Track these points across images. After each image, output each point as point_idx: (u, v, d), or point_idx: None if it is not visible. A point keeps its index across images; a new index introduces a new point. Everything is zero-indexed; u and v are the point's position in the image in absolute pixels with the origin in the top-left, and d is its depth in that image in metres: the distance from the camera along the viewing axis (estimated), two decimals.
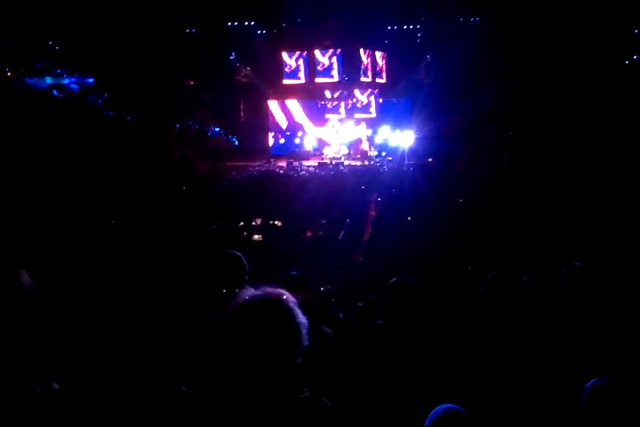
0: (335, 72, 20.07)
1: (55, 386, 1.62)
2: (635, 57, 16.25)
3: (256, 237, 12.59)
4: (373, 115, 20.24)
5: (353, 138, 19.67)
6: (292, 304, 1.57)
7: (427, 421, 2.05)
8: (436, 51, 19.11)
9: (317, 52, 20.01)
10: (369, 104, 20.21)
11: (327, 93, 20.05)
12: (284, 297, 1.58)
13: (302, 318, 1.57)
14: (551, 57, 15.80)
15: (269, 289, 1.60)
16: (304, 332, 1.55)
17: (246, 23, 19.58)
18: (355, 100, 20.04)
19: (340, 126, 19.78)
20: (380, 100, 20.24)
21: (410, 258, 8.92)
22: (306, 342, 1.55)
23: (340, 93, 20.02)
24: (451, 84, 17.36)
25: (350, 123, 19.80)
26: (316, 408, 1.55)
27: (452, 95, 17.36)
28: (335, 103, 20.14)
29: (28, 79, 17.13)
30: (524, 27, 16.02)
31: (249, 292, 1.62)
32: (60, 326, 2.56)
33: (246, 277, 2.95)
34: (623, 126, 13.68)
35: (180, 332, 2.75)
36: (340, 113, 20.07)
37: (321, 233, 13.13)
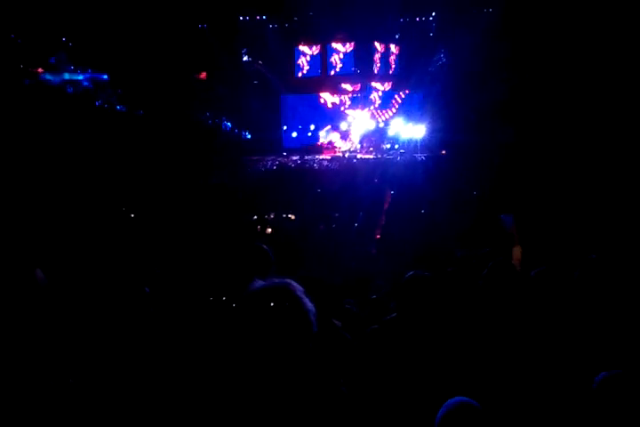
0: (349, 65, 20.01)
1: (70, 381, 1.67)
2: None
3: (268, 230, 12.64)
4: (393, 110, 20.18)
5: (364, 130, 19.66)
6: (299, 293, 1.63)
7: (439, 413, 2.08)
8: (448, 44, 18.98)
9: (331, 46, 19.94)
10: (390, 101, 20.14)
11: (348, 87, 20.01)
12: (292, 286, 1.65)
13: (310, 306, 1.62)
14: (562, 51, 15.65)
15: (277, 280, 1.68)
16: (312, 319, 1.61)
17: (258, 17, 19.57)
18: (373, 95, 20.00)
19: (355, 120, 19.76)
20: (403, 96, 20.13)
21: (422, 250, 8.91)
22: (315, 329, 1.61)
23: (360, 89, 19.99)
24: (462, 78, 17.25)
25: (364, 115, 19.77)
26: (333, 396, 1.62)
27: (463, 88, 17.26)
28: (351, 96, 20.13)
29: (42, 75, 17.25)
30: (536, 20, 15.86)
31: (258, 283, 1.70)
32: (80, 319, 2.61)
33: (272, 270, 2.99)
34: (631, 124, 13.55)
35: (200, 323, 2.79)
36: (358, 107, 20.03)
37: (334, 226, 13.16)
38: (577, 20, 15.15)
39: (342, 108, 20.11)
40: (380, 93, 20.11)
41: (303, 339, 1.60)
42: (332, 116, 20.18)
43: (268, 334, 1.57)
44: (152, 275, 4.57)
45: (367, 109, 20.03)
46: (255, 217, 13.43)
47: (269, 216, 13.85)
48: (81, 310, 2.73)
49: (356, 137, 19.52)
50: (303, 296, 1.64)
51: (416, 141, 18.76)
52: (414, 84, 19.83)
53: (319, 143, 19.81)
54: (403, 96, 20.10)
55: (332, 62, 20.11)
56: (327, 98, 20.31)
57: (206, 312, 2.74)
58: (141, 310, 2.82)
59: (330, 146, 19.60)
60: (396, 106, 20.17)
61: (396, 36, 19.92)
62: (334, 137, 19.94)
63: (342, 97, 20.18)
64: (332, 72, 20.21)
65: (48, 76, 17.45)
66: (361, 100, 20.07)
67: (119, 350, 2.52)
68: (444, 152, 17.64)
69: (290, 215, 14.35)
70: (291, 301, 1.61)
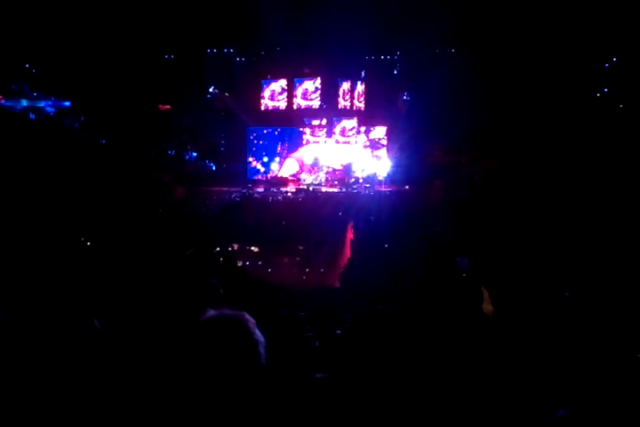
0: (314, 99, 20.25)
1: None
2: (605, 90, 16.68)
3: (239, 263, 12.49)
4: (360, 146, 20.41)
5: (341, 164, 19.83)
6: (250, 324, 1.63)
7: None
8: (413, 80, 19.39)
9: (297, 80, 20.20)
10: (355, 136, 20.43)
11: (315, 122, 20.23)
12: (243, 317, 1.64)
13: (261, 338, 1.61)
14: (526, 88, 16.15)
15: (228, 310, 1.67)
16: (262, 351, 1.60)
17: (225, 50, 19.75)
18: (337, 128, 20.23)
19: (321, 153, 19.88)
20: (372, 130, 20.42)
21: (387, 285, 8.88)
22: (263, 361, 1.59)
23: (325, 122, 20.21)
24: (427, 113, 17.60)
25: (329, 149, 19.93)
26: None
27: (428, 124, 17.59)
28: (316, 130, 20.30)
29: (3, 101, 16.98)
30: (500, 58, 16.39)
31: (210, 313, 1.67)
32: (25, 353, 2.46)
33: (222, 303, 2.88)
34: (594, 156, 13.97)
35: (152, 356, 2.67)
36: (320, 140, 20.20)
37: (298, 259, 13.08)
38: (539, 60, 15.70)
39: (305, 141, 20.23)
40: (347, 128, 20.34)
41: (250, 371, 1.57)
42: (299, 149, 20.28)
43: (213, 363, 1.54)
44: (104, 306, 4.40)
45: (333, 142, 20.21)
46: (218, 249, 13.26)
47: (232, 248, 13.71)
48: (26, 341, 2.58)
49: (321, 170, 19.60)
50: (254, 328, 1.62)
51: (381, 176, 18.96)
52: (379, 120, 20.14)
53: (284, 175, 19.84)
54: (371, 130, 20.36)
55: (297, 96, 20.32)
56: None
57: (154, 343, 2.63)
58: (90, 345, 2.67)
59: (295, 178, 19.65)
60: (362, 141, 20.40)
61: (362, 73, 20.29)
62: (293, 167, 20.05)
63: (307, 129, 20.34)
64: (298, 106, 20.39)
65: (9, 103, 17.19)
66: (326, 132, 20.25)
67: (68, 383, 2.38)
68: (407, 187, 17.84)
69: (253, 247, 14.24)
70: (240, 332, 1.59)
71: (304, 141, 20.24)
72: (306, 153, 20.08)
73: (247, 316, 1.65)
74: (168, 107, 19.48)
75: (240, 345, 1.56)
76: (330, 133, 20.16)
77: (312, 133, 20.30)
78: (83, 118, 17.70)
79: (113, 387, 2.44)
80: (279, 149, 20.43)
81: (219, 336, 1.56)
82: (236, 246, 13.72)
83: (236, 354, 1.55)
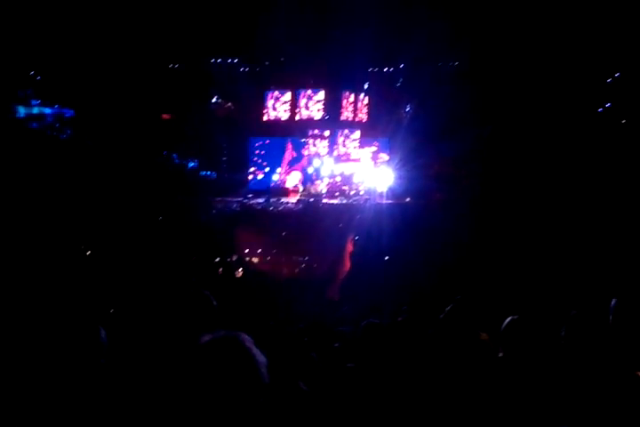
0: (317, 110, 20.32)
1: None
2: (607, 104, 16.72)
3: (239, 273, 12.49)
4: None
5: (345, 174, 19.87)
6: (247, 344, 1.60)
7: None
8: (415, 94, 19.46)
9: (300, 91, 20.28)
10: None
11: (316, 132, 20.30)
12: (240, 338, 1.62)
13: (260, 357, 1.59)
14: (527, 102, 16.19)
15: (225, 332, 1.64)
16: (263, 370, 1.57)
17: (230, 60, 19.84)
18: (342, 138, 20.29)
19: (321, 164, 19.91)
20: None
21: (386, 298, 8.83)
22: (265, 381, 1.56)
23: (328, 133, 20.27)
24: (429, 126, 17.63)
25: (330, 160, 19.96)
26: None
27: (429, 137, 17.62)
28: (319, 141, 20.35)
29: (6, 110, 16.99)
30: (502, 72, 16.45)
31: (206, 337, 1.65)
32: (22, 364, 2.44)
33: (215, 317, 2.85)
34: (594, 172, 13.96)
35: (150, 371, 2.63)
36: (320, 152, 20.24)
37: (297, 270, 13.05)
38: (541, 75, 15.75)
39: (307, 152, 20.27)
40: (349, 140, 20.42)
41: (253, 392, 1.54)
42: (300, 160, 20.30)
43: (216, 387, 1.51)
44: (103, 316, 4.38)
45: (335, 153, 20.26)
46: (217, 259, 13.25)
47: (232, 259, 13.68)
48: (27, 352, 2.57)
49: (322, 181, 19.61)
50: (253, 347, 1.60)
51: (382, 188, 18.95)
52: (383, 132, 20.18)
53: (285, 186, 19.85)
54: (375, 144, 20.44)
55: (301, 107, 20.39)
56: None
57: (154, 356, 2.60)
58: (92, 357, 2.63)
59: (296, 189, 19.65)
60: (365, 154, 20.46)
61: (365, 85, 20.37)
62: (295, 178, 20.05)
63: (310, 141, 20.38)
64: (301, 117, 20.45)
65: (13, 111, 17.21)
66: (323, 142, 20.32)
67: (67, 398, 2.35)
68: (408, 200, 17.81)
69: (253, 258, 14.21)
70: (239, 353, 1.56)
71: (305, 153, 20.28)
72: (307, 164, 20.10)
73: (243, 336, 1.62)
74: (172, 115, 19.53)
75: (241, 369, 1.54)
76: (332, 150, 20.22)
77: (314, 145, 20.34)
78: (86, 127, 17.73)
79: (115, 401, 2.41)
80: (281, 159, 20.45)
81: (217, 363, 1.54)
82: (235, 257, 13.68)
83: (237, 377, 1.53)
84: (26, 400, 2.20)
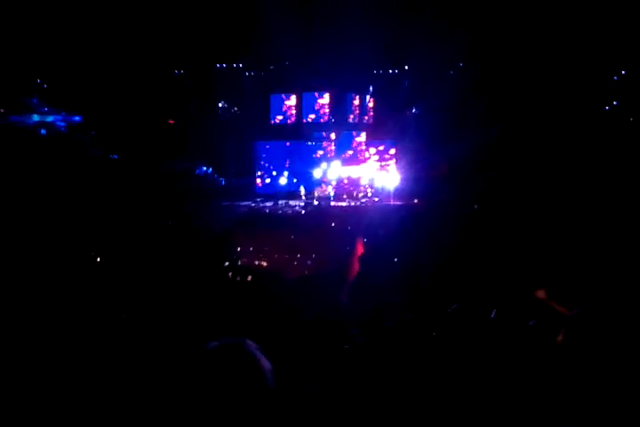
0: (323, 113, 20.34)
1: None
2: (615, 103, 16.64)
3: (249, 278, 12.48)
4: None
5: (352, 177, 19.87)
6: (253, 350, 1.61)
7: None
8: (421, 95, 19.44)
9: (306, 95, 20.31)
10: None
11: (322, 135, 20.33)
12: (246, 344, 1.63)
13: (266, 363, 1.59)
14: (534, 103, 16.15)
15: (230, 338, 1.65)
16: (268, 376, 1.57)
17: (234, 65, 19.91)
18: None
19: (329, 167, 19.91)
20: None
21: (394, 300, 8.80)
22: (272, 386, 1.56)
23: (334, 136, 20.29)
24: (435, 127, 17.61)
25: (337, 163, 19.96)
26: None
27: (436, 138, 17.60)
28: (325, 144, 20.38)
29: (13, 117, 17.12)
30: (508, 73, 16.42)
31: (212, 344, 1.66)
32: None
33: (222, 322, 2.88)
34: (602, 171, 13.88)
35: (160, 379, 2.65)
36: (327, 154, 20.27)
37: (306, 273, 13.04)
38: (547, 75, 15.71)
39: (313, 155, 20.30)
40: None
41: (258, 398, 1.55)
42: (307, 163, 20.32)
43: (221, 394, 1.53)
44: (114, 322, 4.40)
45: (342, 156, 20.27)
46: (227, 263, 13.25)
47: (241, 262, 13.68)
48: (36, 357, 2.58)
49: (330, 184, 19.62)
50: (258, 353, 1.61)
51: (389, 190, 18.93)
52: (389, 134, 20.17)
53: (292, 189, 19.88)
54: (380, 148, 20.43)
55: (307, 110, 20.41)
56: None
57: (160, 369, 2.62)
58: (98, 359, 2.66)
59: (304, 192, 19.66)
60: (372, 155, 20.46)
61: (370, 87, 20.36)
62: (302, 182, 20.10)
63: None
64: (307, 120, 20.48)
65: (20, 118, 17.34)
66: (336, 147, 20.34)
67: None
68: (416, 201, 17.79)
69: (262, 262, 14.21)
70: (244, 360, 1.57)
71: (312, 156, 20.31)
72: (315, 167, 20.12)
73: (248, 342, 1.63)
74: (179, 120, 19.61)
75: (245, 375, 1.55)
76: (338, 152, 20.25)
77: (321, 148, 20.37)
78: (93, 133, 17.83)
79: (123, 406, 2.42)
80: (287, 163, 20.48)
81: (222, 370, 1.55)
82: (244, 260, 13.69)
83: (243, 384, 1.54)
84: (32, 400, 2.22)
